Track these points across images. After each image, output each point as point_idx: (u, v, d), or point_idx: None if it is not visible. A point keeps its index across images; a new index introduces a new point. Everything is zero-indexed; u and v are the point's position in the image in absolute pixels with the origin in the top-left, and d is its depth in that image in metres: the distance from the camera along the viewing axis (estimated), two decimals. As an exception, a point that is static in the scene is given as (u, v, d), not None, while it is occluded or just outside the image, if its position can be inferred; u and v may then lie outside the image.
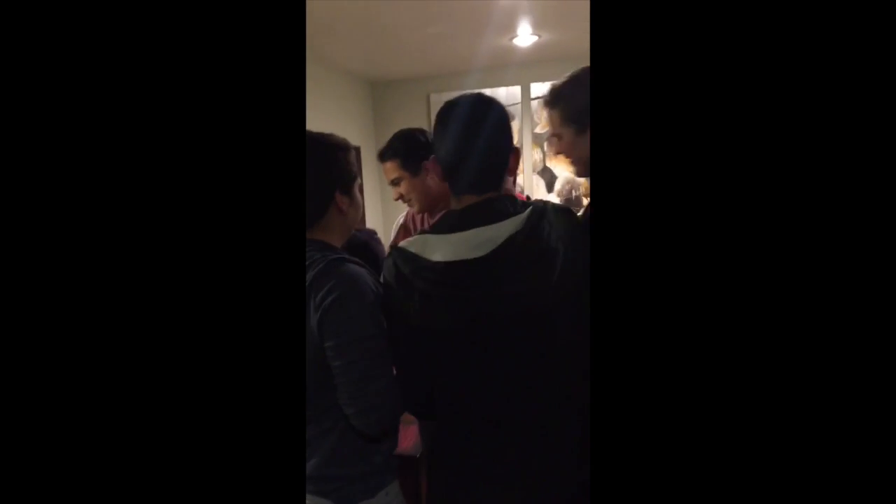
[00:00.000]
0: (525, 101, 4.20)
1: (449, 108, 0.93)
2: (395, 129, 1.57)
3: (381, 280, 0.96)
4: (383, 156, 1.53)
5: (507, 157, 0.94)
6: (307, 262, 0.94)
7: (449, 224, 0.90)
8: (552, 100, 1.07)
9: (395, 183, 1.54)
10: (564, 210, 0.94)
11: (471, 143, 0.90)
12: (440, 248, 0.87)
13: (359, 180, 1.06)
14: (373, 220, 4.46)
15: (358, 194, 1.06)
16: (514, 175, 0.98)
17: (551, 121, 1.09)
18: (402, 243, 0.93)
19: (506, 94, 4.11)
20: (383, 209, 4.61)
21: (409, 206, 1.58)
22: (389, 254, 0.94)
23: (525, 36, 3.34)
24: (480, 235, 0.86)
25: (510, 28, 3.17)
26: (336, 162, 1.01)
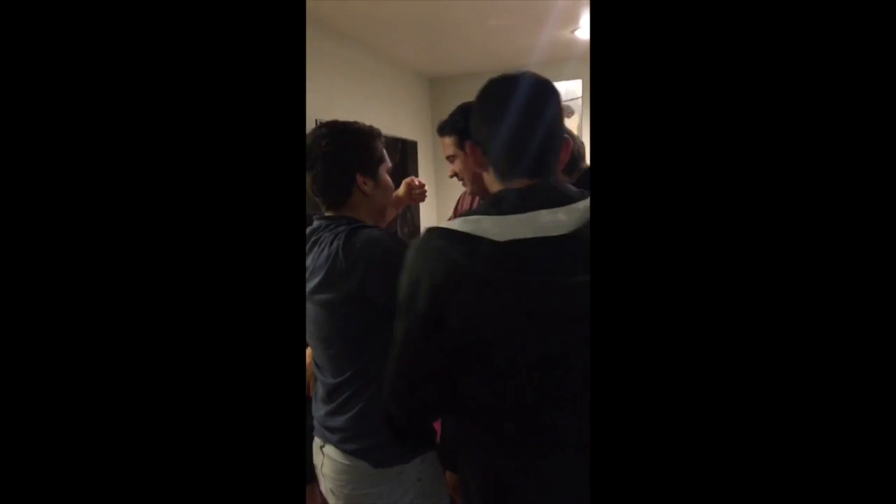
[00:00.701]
0: (586, 96, 4.11)
1: (496, 85, 0.83)
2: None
3: (407, 270, 0.82)
4: (442, 130, 1.45)
5: (561, 143, 0.84)
6: (333, 233, 1.03)
7: (509, 203, 0.77)
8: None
9: (450, 159, 1.49)
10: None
11: (527, 124, 0.80)
12: (500, 228, 0.74)
13: (386, 164, 1.13)
14: (427, 216, 4.49)
15: (385, 177, 1.13)
16: (563, 166, 0.89)
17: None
18: (443, 224, 0.79)
19: (564, 90, 4.03)
20: (437, 203, 4.63)
21: (463, 185, 1.54)
22: (422, 237, 0.80)
23: (587, 28, 3.27)
24: (546, 217, 0.75)
25: (572, 20, 3.10)
26: (357, 146, 1.09)
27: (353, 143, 1.08)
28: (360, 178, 1.08)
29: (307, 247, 1.08)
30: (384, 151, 1.13)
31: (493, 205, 0.78)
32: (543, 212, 0.75)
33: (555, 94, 0.83)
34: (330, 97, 3.12)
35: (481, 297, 0.73)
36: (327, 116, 2.86)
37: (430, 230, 0.78)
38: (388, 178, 1.14)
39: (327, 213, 1.11)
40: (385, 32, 3.12)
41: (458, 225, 0.76)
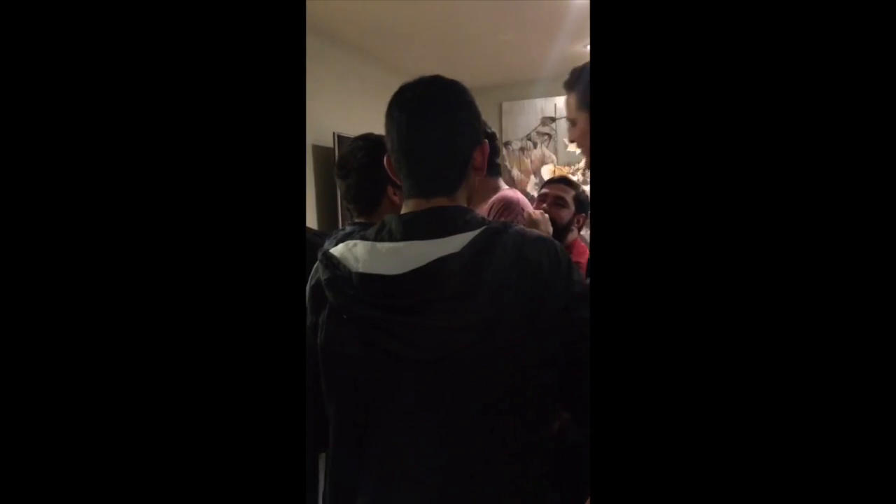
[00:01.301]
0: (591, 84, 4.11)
1: (399, 93, 0.77)
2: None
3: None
4: (568, 84, 1.43)
5: (468, 152, 0.76)
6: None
7: (388, 230, 0.74)
8: (571, 82, 0.96)
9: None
10: (538, 240, 0.73)
11: (417, 134, 0.73)
12: (364, 257, 0.72)
13: None
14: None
15: None
16: (482, 174, 0.81)
17: (568, 105, 0.97)
18: (331, 248, 0.78)
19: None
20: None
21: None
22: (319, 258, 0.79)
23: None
24: (413, 250, 0.70)
25: (584, 35, 3.15)
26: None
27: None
28: (390, 189, 1.18)
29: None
30: None
31: (378, 229, 0.75)
32: (419, 243, 0.70)
33: (457, 96, 0.77)
34: (349, 111, 3.20)
35: (331, 322, 0.73)
36: (346, 130, 2.93)
37: (322, 253, 0.77)
38: None
39: (357, 220, 1.22)
40: (402, 48, 3.20)
41: (337, 248, 0.76)
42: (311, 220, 2.89)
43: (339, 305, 0.72)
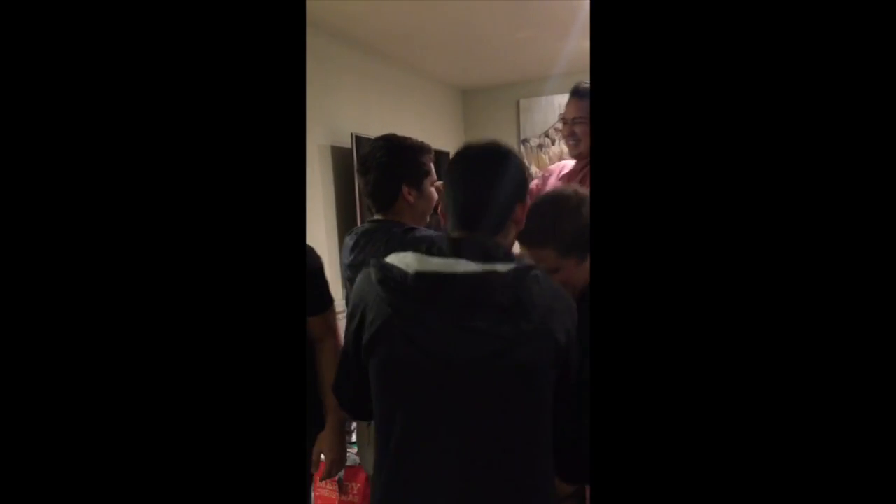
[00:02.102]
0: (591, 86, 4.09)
1: (458, 153, 0.92)
2: (485, 135, 1.62)
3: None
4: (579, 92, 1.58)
5: (512, 207, 0.88)
6: (387, 235, 1.16)
7: (438, 247, 0.84)
8: (543, 240, 1.01)
9: (571, 121, 1.61)
10: (551, 283, 0.85)
11: (473, 191, 0.86)
12: (416, 265, 0.81)
13: (432, 177, 1.27)
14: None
15: (428, 189, 1.26)
16: (521, 227, 0.92)
17: (547, 259, 1.01)
18: (351, 242, 0.97)
19: (596, 97, 4.02)
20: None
21: (568, 145, 1.67)
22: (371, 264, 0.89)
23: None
24: (462, 266, 0.79)
25: (600, 30, 3.13)
26: (405, 160, 1.22)
27: (403, 156, 1.22)
28: (405, 188, 1.22)
29: (357, 241, 1.22)
30: (431, 166, 1.26)
31: (428, 246, 0.85)
32: (466, 262, 0.80)
33: (503, 164, 0.88)
34: (366, 111, 3.22)
35: (381, 318, 0.81)
36: (363, 130, 2.95)
37: (374, 259, 0.87)
38: (432, 190, 1.27)
39: (376, 216, 1.27)
40: (418, 48, 3.21)
41: (390, 258, 0.85)
42: (331, 220, 2.92)
43: (391, 302, 0.80)
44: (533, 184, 1.73)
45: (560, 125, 1.70)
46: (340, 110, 3.01)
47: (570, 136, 1.59)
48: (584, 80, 1.43)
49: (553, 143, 4.24)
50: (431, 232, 1.21)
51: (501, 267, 0.80)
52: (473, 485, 0.79)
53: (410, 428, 0.81)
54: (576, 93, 1.56)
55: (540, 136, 4.28)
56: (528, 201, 0.93)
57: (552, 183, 1.73)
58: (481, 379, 0.78)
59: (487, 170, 0.88)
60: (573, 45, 3.40)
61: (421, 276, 0.79)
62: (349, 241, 1.28)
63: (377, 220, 1.27)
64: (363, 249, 1.21)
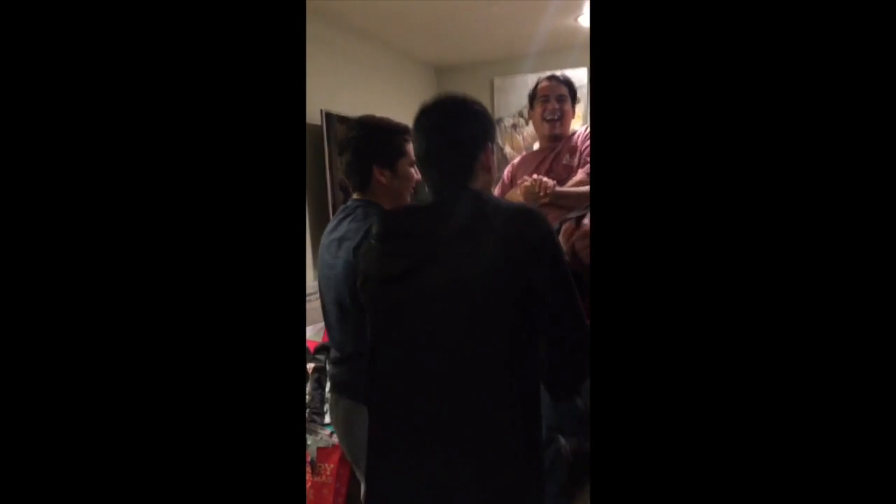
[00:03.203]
0: (590, 84, 4.11)
1: (422, 105, 0.97)
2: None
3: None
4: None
5: (475, 154, 0.92)
6: (351, 213, 1.23)
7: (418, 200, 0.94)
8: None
9: (556, 99, 1.71)
10: (519, 211, 0.89)
11: (433, 141, 0.92)
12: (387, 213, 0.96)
13: (408, 158, 1.27)
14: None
15: (405, 169, 1.27)
16: (492, 174, 0.97)
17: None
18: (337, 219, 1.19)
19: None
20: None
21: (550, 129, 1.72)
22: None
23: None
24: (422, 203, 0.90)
25: (575, 7, 3.10)
26: (376, 141, 1.24)
27: (374, 137, 1.24)
28: (376, 169, 1.24)
29: (342, 218, 1.26)
30: (407, 147, 1.26)
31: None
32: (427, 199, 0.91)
33: (462, 112, 0.93)
34: (336, 88, 3.15)
35: (369, 250, 0.95)
36: (334, 108, 2.88)
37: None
38: (409, 170, 1.28)
39: (354, 196, 1.30)
40: (390, 23, 3.13)
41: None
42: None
43: (378, 235, 0.93)
44: (506, 172, 1.72)
45: (537, 107, 1.68)
46: (310, 87, 2.93)
47: (556, 113, 1.62)
48: (559, 58, 1.45)
49: (527, 123, 4.22)
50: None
51: (450, 196, 0.87)
52: (448, 405, 0.85)
53: (393, 355, 0.90)
54: (552, 77, 1.57)
55: (514, 116, 4.26)
56: (492, 148, 0.96)
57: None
58: (446, 307, 0.84)
59: (447, 119, 0.93)
60: (549, 24, 3.37)
61: (388, 216, 0.95)
62: (333, 220, 1.33)
63: (355, 200, 1.31)
64: (339, 224, 1.25)
